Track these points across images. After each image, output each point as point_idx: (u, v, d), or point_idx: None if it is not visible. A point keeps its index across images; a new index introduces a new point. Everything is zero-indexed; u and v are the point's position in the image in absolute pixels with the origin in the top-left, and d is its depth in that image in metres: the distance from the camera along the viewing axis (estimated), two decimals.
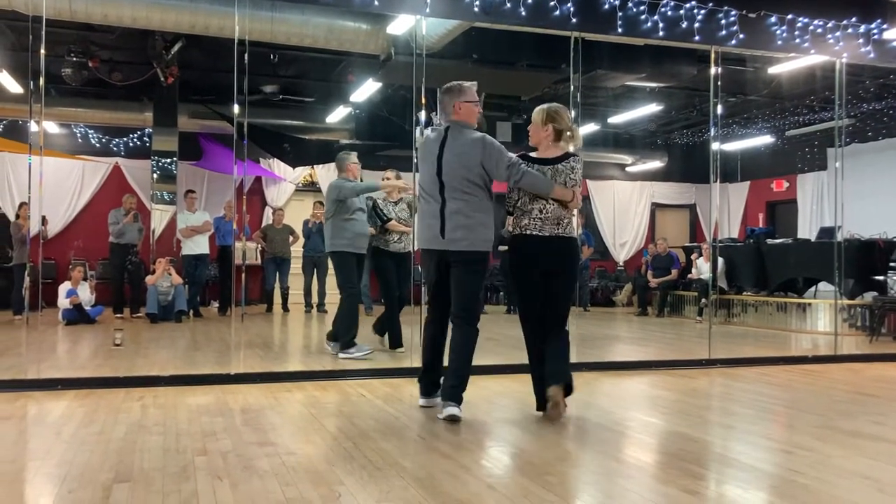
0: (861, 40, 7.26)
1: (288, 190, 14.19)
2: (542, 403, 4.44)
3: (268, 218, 13.54)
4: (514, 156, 4.46)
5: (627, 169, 16.16)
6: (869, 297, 10.01)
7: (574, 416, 4.59)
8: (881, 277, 10.24)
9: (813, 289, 11.29)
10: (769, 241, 11.80)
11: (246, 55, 5.96)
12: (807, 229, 13.64)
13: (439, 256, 4.51)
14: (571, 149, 4.58)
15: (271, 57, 10.70)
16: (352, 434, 3.99)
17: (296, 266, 12.25)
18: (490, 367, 6.07)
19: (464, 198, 4.43)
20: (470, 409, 4.58)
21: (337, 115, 12.92)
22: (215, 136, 12.94)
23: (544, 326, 4.49)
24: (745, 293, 11.79)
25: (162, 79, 11.22)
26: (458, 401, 4.35)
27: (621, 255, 16.16)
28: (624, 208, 16.24)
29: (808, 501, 2.95)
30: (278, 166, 13.83)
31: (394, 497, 2.92)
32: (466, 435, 4.00)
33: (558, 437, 4.02)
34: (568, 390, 4.44)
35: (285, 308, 12.08)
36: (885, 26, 7.31)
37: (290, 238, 12.12)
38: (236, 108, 6.41)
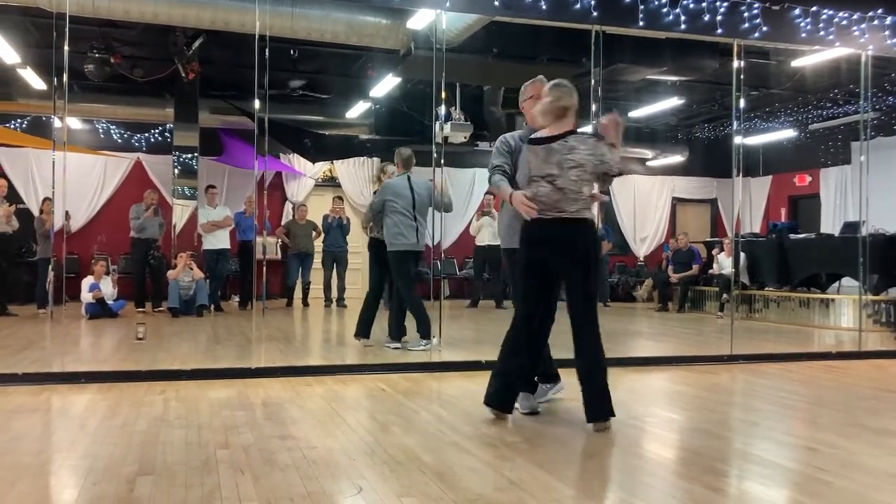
0: (887, 32, 7.15)
1: (308, 185, 14.24)
2: (495, 401, 4.22)
3: (288, 213, 13.60)
4: (496, 161, 4.40)
5: (648, 163, 16.04)
6: (894, 292, 9.88)
7: None
8: None
9: (836, 284, 11.16)
10: (792, 235, 11.67)
11: (266, 51, 5.97)
12: (830, 224, 13.49)
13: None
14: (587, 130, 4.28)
15: (292, 52, 10.73)
16: (372, 428, 4.00)
17: (316, 261, 12.31)
18: None
19: None
20: None
21: (357, 110, 12.94)
22: (236, 131, 13.01)
23: (544, 329, 4.25)
24: (767, 288, 11.68)
25: (183, 74, 11.28)
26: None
27: (642, 249, 16.07)
28: (644, 203, 16.14)
29: (833, 500, 2.92)
30: (298, 161, 13.88)
31: (415, 492, 2.93)
32: (487, 430, 3.99)
33: (580, 433, 4.00)
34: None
35: (305, 303, 12.14)
36: None
37: (314, 233, 12.17)
38: (257, 104, 6.43)
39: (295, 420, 4.20)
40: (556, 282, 4.22)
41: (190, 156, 12.36)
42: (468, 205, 14.46)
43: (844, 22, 6.99)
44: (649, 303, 13.69)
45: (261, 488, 2.94)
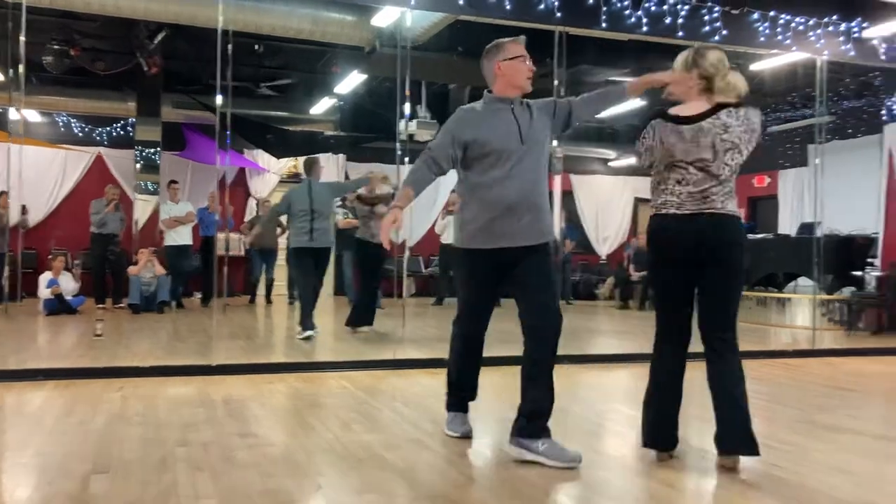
0: (841, 38, 7.32)
1: (272, 181, 14.14)
2: (656, 441, 3.47)
3: (252, 210, 13.48)
4: (437, 139, 3.60)
5: (610, 163, 16.21)
6: (847, 292, 10.12)
7: (557, 408, 4.61)
8: (859, 273, 10.36)
9: (792, 284, 11.40)
10: (750, 236, 11.88)
11: (230, 46, 5.93)
12: (787, 225, 13.75)
13: None
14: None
15: (256, 47, 10.64)
16: (334, 426, 4.00)
17: (280, 257, 12.25)
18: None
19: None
20: None
21: (321, 106, 12.88)
22: (199, 126, 12.85)
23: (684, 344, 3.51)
24: None
25: (145, 68, 11.13)
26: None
27: (604, 249, 16.24)
28: (607, 202, 16.30)
29: (786, 494, 2.99)
30: (262, 157, 13.78)
31: (375, 488, 2.94)
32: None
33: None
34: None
35: (268, 300, 12.06)
36: (864, 24, 7.37)
37: (278, 230, 12.10)
38: (219, 99, 6.38)
39: (256, 417, 4.19)
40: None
41: (152, 150, 12.20)
42: (435, 203, 14.48)
43: (801, 27, 7.14)
44: (611, 301, 13.84)
45: (219, 486, 2.93)
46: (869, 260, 10.39)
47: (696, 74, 3.38)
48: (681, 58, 3.48)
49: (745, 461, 3.34)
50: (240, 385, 5.13)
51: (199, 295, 11.91)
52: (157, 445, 3.52)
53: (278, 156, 13.58)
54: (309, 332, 7.30)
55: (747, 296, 11.15)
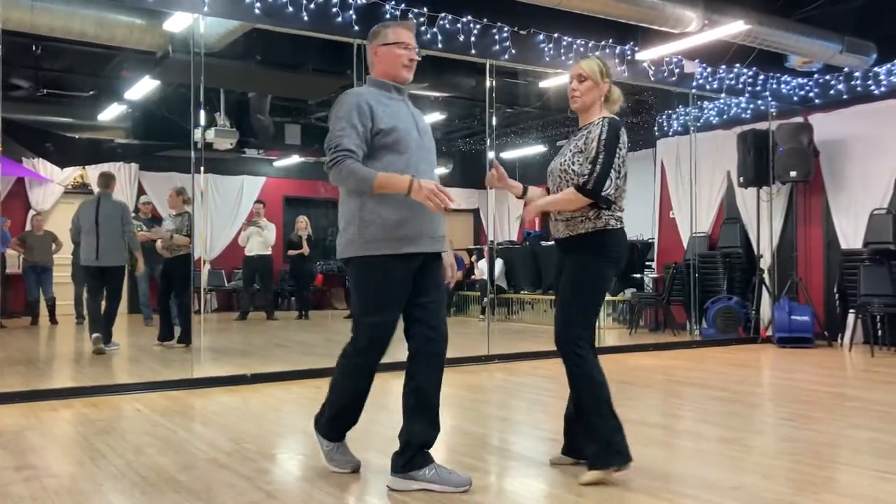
0: (617, 60, 7.98)
1: (56, 192, 13.09)
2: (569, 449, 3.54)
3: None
4: (344, 127, 3.08)
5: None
6: (629, 293, 11.01)
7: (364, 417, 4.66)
8: (639, 275, 11.31)
9: None
10: (543, 243, 12.64)
11: (0, 45, 5.46)
12: None
13: None
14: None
15: (34, 48, 9.83)
16: (123, 451, 3.79)
17: (65, 275, 11.36)
18: (278, 375, 6.03)
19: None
20: (255, 419, 4.52)
21: (110, 112, 12.10)
22: None
23: None
24: (522, 292, 12.53)
25: None
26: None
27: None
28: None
29: (565, 483, 3.22)
30: (44, 166, 12.72)
31: None
32: (250, 445, 3.93)
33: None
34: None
35: (53, 320, 11.15)
36: (636, 48, 8.09)
37: (53, 246, 11.23)
38: None
39: (35, 448, 3.87)
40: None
41: None
42: (237, 214, 14.08)
43: (582, 48, 7.70)
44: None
45: None
46: (647, 263, 11.38)
47: (605, 86, 3.40)
48: (595, 66, 3.39)
49: (534, 457, 3.52)
50: (17, 414, 4.72)
51: None
52: None
53: (61, 165, 12.59)
54: (103, 346, 7.46)
55: (541, 299, 11.84)
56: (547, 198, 3.40)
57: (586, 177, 3.24)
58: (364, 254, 3.13)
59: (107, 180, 8.01)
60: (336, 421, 3.35)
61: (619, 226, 3.36)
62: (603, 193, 3.23)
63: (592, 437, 3.28)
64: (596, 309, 3.47)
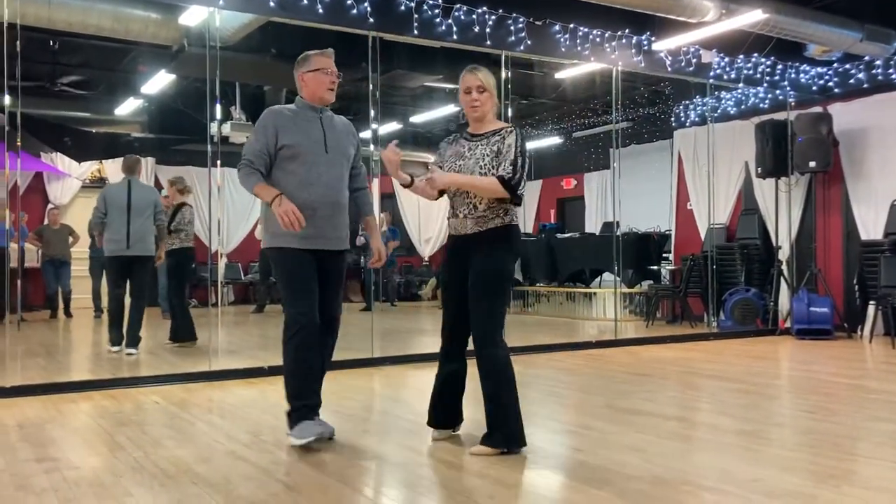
0: (633, 50, 7.92)
1: (74, 186, 13.20)
2: (439, 420, 3.87)
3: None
4: (252, 141, 3.71)
5: (431, 166, 16.52)
6: (646, 285, 10.97)
7: (378, 409, 4.66)
8: (655, 267, 11.25)
9: (598, 279, 12.19)
10: (558, 235, 12.60)
11: (18, 40, 5.49)
12: (593, 224, 14.67)
13: None
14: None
15: (51, 43, 9.89)
16: (142, 443, 3.81)
17: (82, 268, 11.45)
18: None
19: None
20: (273, 410, 4.53)
21: (127, 106, 12.17)
22: None
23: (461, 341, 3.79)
24: (538, 284, 12.50)
25: None
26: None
27: (426, 250, 16.54)
28: (428, 205, 16.57)
29: (584, 476, 3.21)
30: (62, 161, 12.82)
31: None
32: (268, 437, 3.95)
33: (362, 432, 4.07)
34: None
35: (67, 313, 11.25)
36: (653, 38, 8.02)
37: (70, 239, 11.31)
38: (7, 99, 5.88)
39: (55, 440, 3.91)
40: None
41: None
42: (252, 207, 14.12)
43: (598, 39, 7.64)
44: (433, 301, 14.14)
45: None
46: (664, 255, 11.31)
47: (495, 96, 3.74)
48: (492, 78, 3.75)
49: (551, 448, 3.52)
50: (38, 407, 4.77)
51: None
52: None
53: (79, 159, 12.69)
54: (123, 349, 7.10)
55: (557, 291, 11.80)
56: (468, 177, 3.60)
57: (510, 175, 3.53)
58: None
59: (133, 164, 7.51)
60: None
61: (517, 221, 3.71)
62: (519, 192, 3.58)
63: (500, 425, 3.53)
64: (507, 301, 3.76)
